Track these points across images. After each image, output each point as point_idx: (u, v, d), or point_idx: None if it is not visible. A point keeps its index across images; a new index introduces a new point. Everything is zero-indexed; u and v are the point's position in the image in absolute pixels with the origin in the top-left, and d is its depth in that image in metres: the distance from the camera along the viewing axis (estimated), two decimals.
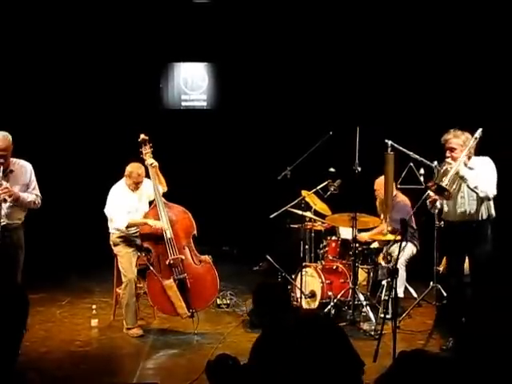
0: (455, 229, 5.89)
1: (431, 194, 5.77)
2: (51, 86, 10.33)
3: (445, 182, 5.51)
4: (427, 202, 5.95)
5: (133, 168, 6.52)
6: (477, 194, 5.61)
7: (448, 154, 5.73)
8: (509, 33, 8.68)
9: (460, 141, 5.69)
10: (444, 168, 5.71)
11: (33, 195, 6.01)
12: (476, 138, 5.67)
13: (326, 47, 10.30)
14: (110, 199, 6.56)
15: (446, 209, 5.94)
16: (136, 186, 6.56)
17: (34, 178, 6.07)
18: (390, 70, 9.91)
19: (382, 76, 9.98)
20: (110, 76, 10.56)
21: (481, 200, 5.68)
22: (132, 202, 6.58)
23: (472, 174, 5.61)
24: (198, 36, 10.66)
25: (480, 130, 5.66)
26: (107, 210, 6.56)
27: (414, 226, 7.40)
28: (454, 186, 5.73)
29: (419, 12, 9.43)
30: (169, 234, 6.47)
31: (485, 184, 5.60)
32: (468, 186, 5.62)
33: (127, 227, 6.47)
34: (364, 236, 7.34)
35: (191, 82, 11.49)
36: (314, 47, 10.36)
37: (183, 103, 11.51)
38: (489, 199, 5.69)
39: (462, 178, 5.61)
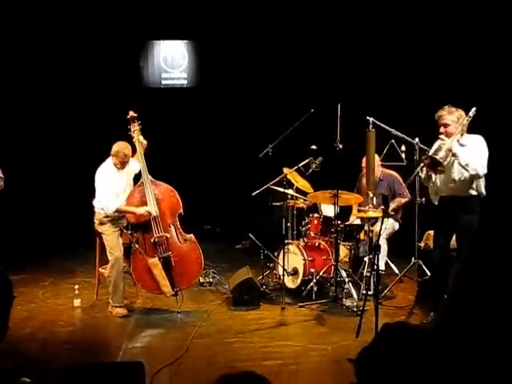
0: (444, 203, 5.92)
1: (424, 168, 5.79)
2: (29, 66, 10.20)
3: (439, 156, 5.55)
4: (422, 175, 5.98)
5: (119, 147, 6.48)
6: (467, 171, 5.64)
7: (442, 129, 5.76)
8: (491, 10, 8.69)
9: (454, 117, 5.73)
10: (437, 143, 5.73)
11: None
12: (470, 117, 5.70)
13: (307, 24, 10.25)
14: (98, 181, 6.50)
15: (438, 183, 5.96)
16: (122, 165, 6.54)
17: None
18: (371, 47, 9.90)
19: (362, 53, 9.96)
20: (89, 56, 10.45)
21: (471, 177, 5.71)
22: (120, 182, 6.57)
23: (464, 152, 5.64)
24: (177, 14, 10.56)
25: (474, 109, 5.70)
26: (97, 193, 6.50)
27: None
28: (447, 161, 5.76)
29: None
30: (154, 212, 6.45)
31: (476, 162, 5.63)
32: (459, 162, 5.64)
33: (115, 211, 6.45)
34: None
35: (171, 61, 11.41)
36: (295, 24, 10.31)
37: (163, 82, 11.44)
38: (479, 177, 5.72)
39: (454, 155, 5.64)
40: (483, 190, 5.84)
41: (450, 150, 5.62)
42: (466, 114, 5.75)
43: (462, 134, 5.75)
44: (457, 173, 5.74)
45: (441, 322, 1.93)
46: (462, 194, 5.80)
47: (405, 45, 9.54)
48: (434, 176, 5.90)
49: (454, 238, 6.03)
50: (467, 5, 8.85)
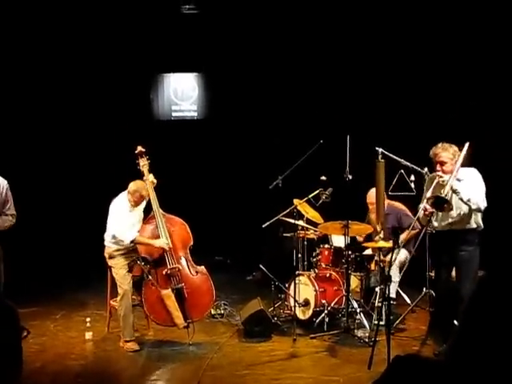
0: (443, 237, 5.93)
1: (428, 207, 5.72)
2: (39, 99, 10.33)
3: (443, 194, 5.55)
4: (420, 214, 5.92)
5: (137, 188, 6.51)
6: (469, 206, 5.65)
7: (438, 167, 5.77)
8: (498, 43, 8.74)
9: (449, 154, 5.74)
10: (436, 181, 5.73)
11: (8, 217, 5.92)
12: (465, 152, 5.72)
13: (316, 56, 10.35)
14: (114, 214, 6.54)
15: (434, 221, 5.95)
16: (136, 204, 6.59)
17: (9, 195, 5.96)
18: (379, 79, 9.96)
19: (371, 84, 10.03)
20: (100, 89, 10.57)
21: (470, 211, 5.71)
22: (132, 218, 6.62)
23: (464, 187, 5.66)
24: (187, 46, 10.69)
25: (467, 144, 5.74)
26: (112, 226, 6.53)
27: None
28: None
29: (407, 22, 9.48)
30: (169, 244, 6.49)
31: (476, 196, 5.65)
32: (461, 198, 5.64)
33: (131, 242, 6.49)
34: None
35: (181, 93, 11.53)
36: (304, 56, 10.41)
37: (174, 114, 11.54)
38: (480, 211, 5.74)
39: (455, 192, 5.64)
40: (481, 223, 5.85)
41: (451, 187, 5.62)
42: (459, 149, 5.77)
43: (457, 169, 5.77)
44: (455, 209, 5.74)
45: (450, 354, 1.93)
46: (460, 227, 5.80)
47: (413, 76, 9.60)
48: (433, 218, 5.87)
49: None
50: (475, 34, 8.89)
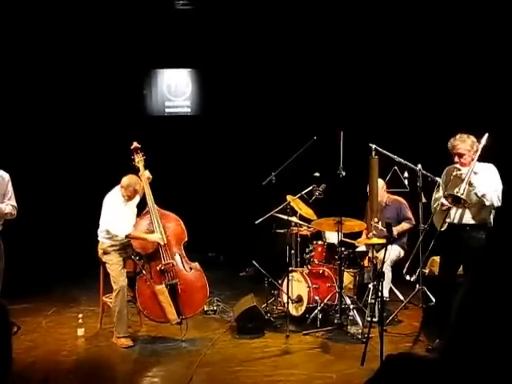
0: (453, 230, 5.90)
1: (445, 202, 5.75)
2: (34, 92, 10.28)
3: (461, 191, 5.53)
4: (438, 208, 5.91)
5: (131, 182, 6.48)
6: (483, 201, 5.64)
7: (456, 159, 5.74)
8: (493, 36, 8.73)
9: (467, 146, 5.71)
10: (454, 174, 5.72)
11: (9, 206, 5.92)
12: (483, 144, 5.70)
13: (309, 52, 10.34)
14: (107, 209, 6.52)
15: (447, 218, 5.93)
16: (129, 198, 6.56)
17: (11, 187, 5.97)
18: (372, 74, 9.95)
19: (364, 81, 10.02)
20: (93, 84, 10.53)
21: (483, 207, 5.70)
22: (127, 211, 6.60)
23: (480, 181, 5.63)
24: (181, 42, 10.66)
25: (486, 135, 5.71)
26: (106, 219, 6.51)
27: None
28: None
29: (400, 16, 9.48)
30: (163, 240, 6.47)
31: (492, 193, 5.63)
32: (476, 193, 5.63)
33: (126, 237, 6.46)
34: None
35: (175, 89, 11.50)
36: (297, 52, 10.39)
37: (167, 110, 11.51)
38: (493, 208, 5.72)
39: (471, 185, 5.62)
40: (491, 219, 5.83)
41: (470, 182, 5.60)
42: (477, 140, 5.75)
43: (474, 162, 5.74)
44: (468, 199, 5.71)
45: (444, 352, 1.92)
46: (471, 222, 5.78)
47: (406, 71, 9.59)
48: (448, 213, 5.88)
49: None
50: (467, 33, 8.89)
